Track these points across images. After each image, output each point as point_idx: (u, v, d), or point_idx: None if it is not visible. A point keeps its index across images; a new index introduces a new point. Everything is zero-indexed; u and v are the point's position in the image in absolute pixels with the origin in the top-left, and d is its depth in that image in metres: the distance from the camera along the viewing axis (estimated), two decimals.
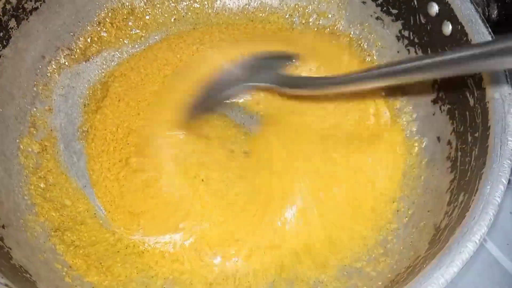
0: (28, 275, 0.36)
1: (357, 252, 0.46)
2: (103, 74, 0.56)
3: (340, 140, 0.52)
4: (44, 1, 0.51)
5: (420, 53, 0.51)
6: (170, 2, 0.59)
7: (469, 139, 0.42)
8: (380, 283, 0.40)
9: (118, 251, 0.46)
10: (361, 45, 0.56)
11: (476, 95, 0.42)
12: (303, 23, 0.59)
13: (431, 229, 0.41)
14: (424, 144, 0.49)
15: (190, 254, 0.46)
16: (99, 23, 0.56)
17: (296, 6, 0.59)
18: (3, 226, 0.40)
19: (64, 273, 0.41)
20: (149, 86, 0.55)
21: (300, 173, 0.49)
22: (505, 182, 0.35)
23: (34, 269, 0.38)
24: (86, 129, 0.53)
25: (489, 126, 0.39)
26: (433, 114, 0.49)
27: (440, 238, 0.38)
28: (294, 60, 0.55)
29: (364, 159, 0.50)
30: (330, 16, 0.58)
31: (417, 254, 0.39)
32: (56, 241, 0.44)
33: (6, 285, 0.30)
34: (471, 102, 0.42)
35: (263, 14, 0.60)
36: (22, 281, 0.32)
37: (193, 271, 0.45)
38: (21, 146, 0.48)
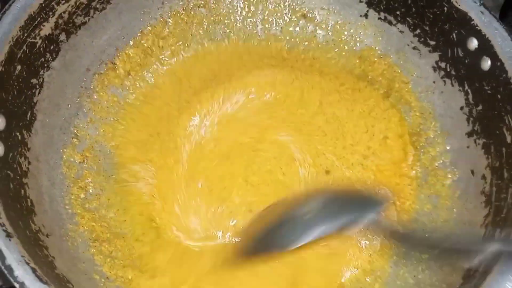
0: (71, 285, 0.37)
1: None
2: (143, 90, 0.57)
3: None
4: (92, 16, 0.52)
5: (456, 85, 0.51)
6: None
7: (505, 175, 0.43)
8: None
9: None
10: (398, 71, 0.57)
11: None
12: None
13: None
14: (457, 176, 0.50)
15: None
16: (142, 39, 0.58)
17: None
18: (47, 235, 0.41)
19: (102, 284, 0.42)
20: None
21: None
22: None
23: (75, 279, 0.39)
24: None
25: None
26: (467, 147, 0.49)
27: (475, 274, 0.38)
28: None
29: None
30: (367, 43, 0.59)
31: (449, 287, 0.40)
32: (94, 251, 0.45)
33: None
34: (509, 138, 0.43)
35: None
36: None
37: None
38: (64, 156, 0.50)
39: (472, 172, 0.48)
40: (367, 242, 0.49)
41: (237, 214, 0.50)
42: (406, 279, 0.46)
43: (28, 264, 0.32)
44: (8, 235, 0.33)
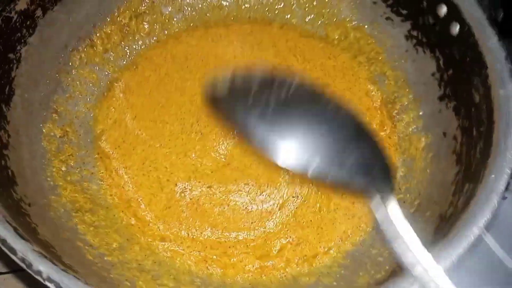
0: (54, 250, 0.38)
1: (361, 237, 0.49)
2: (121, 65, 0.58)
3: None
4: None
5: (428, 52, 0.53)
6: None
7: (474, 134, 0.44)
8: (387, 267, 0.42)
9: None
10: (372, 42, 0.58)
11: (481, 92, 0.44)
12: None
13: (437, 219, 0.43)
14: (430, 139, 0.51)
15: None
16: (119, 15, 0.58)
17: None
18: (29, 205, 0.41)
19: (85, 251, 0.43)
20: (164, 82, 0.57)
21: None
22: (508, 171, 0.37)
23: (59, 245, 0.39)
24: (104, 112, 0.55)
25: (494, 121, 0.41)
26: (439, 111, 0.51)
27: (445, 227, 0.40)
28: None
29: None
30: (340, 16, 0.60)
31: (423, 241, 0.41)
32: (77, 221, 0.46)
33: (39, 252, 0.32)
34: (477, 98, 0.45)
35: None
36: (50, 253, 0.34)
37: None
38: (44, 131, 0.50)
39: (444, 134, 0.50)
40: None
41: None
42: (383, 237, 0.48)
43: (9, 223, 0.33)
44: None
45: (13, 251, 0.31)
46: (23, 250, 0.31)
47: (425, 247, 0.35)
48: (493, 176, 0.37)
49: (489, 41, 0.44)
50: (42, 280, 0.30)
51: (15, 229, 0.32)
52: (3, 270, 0.51)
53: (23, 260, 0.31)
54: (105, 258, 0.44)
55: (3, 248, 0.31)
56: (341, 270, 0.47)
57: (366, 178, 0.36)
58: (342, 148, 0.36)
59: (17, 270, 0.51)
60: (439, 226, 0.42)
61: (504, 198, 0.53)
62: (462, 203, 0.39)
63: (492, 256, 0.55)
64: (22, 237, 0.32)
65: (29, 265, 0.31)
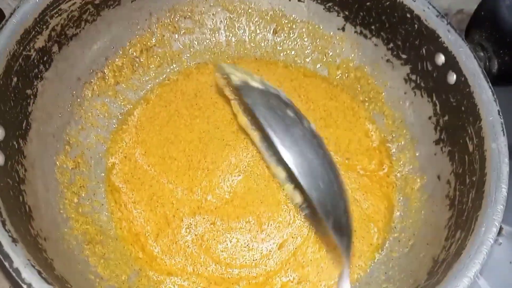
0: (69, 285, 0.40)
1: (359, 275, 0.52)
2: (132, 98, 0.60)
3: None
4: (83, 28, 0.55)
5: (425, 96, 0.56)
6: (199, 33, 0.63)
7: (467, 181, 0.47)
8: None
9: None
10: (372, 82, 0.61)
11: (475, 142, 0.47)
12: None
13: (430, 261, 0.46)
14: (425, 180, 0.54)
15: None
16: (130, 48, 0.60)
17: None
18: (44, 239, 0.43)
19: (97, 284, 0.45)
20: (174, 119, 0.60)
21: None
22: (497, 225, 0.40)
23: (73, 280, 0.41)
24: (115, 147, 0.57)
25: (486, 173, 0.44)
26: (435, 154, 0.54)
27: (438, 271, 0.42)
28: None
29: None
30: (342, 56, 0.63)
31: (416, 283, 0.44)
32: (88, 253, 0.48)
33: None
34: (470, 148, 0.47)
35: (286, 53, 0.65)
36: None
37: None
38: (57, 163, 0.52)
39: (439, 177, 0.52)
40: None
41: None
42: (379, 276, 0.51)
43: (33, 267, 0.35)
44: (14, 241, 0.36)
45: None
46: None
47: None
48: (483, 229, 0.40)
49: (483, 93, 0.47)
50: None
51: (39, 273, 0.35)
52: None
53: None
54: None
55: None
56: None
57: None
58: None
59: None
60: (431, 269, 0.44)
61: (499, 243, 0.57)
62: (454, 249, 0.42)
63: None
64: (45, 280, 0.34)
65: None
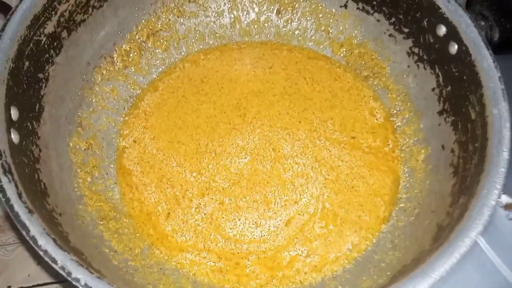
0: (84, 256, 0.42)
1: (367, 246, 0.53)
2: (141, 82, 0.62)
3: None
4: (91, 14, 0.56)
5: (428, 68, 0.56)
6: (203, 16, 0.64)
7: (470, 149, 0.47)
8: (388, 273, 0.46)
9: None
10: (376, 58, 0.62)
11: (477, 109, 0.47)
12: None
13: (435, 227, 0.46)
14: (429, 151, 0.55)
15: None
16: (137, 33, 0.62)
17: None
18: (60, 214, 0.45)
19: (111, 257, 0.47)
20: (182, 104, 0.62)
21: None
22: (499, 187, 0.40)
23: (88, 252, 0.43)
24: (125, 131, 0.59)
25: (488, 138, 0.44)
26: (439, 125, 0.54)
27: (442, 235, 0.43)
28: None
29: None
30: (345, 33, 0.64)
31: (422, 248, 0.45)
32: (103, 228, 0.50)
33: (76, 261, 0.36)
34: (473, 115, 0.48)
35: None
36: (81, 260, 0.37)
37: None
38: (71, 144, 0.54)
39: (443, 147, 0.53)
40: None
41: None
42: (385, 245, 0.52)
43: (49, 235, 0.37)
44: (30, 211, 0.37)
45: (54, 261, 0.35)
46: (63, 260, 0.35)
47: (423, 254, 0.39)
48: (485, 191, 0.40)
49: (484, 62, 0.47)
50: (80, 287, 0.34)
51: (54, 241, 0.36)
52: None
53: (62, 268, 0.35)
54: (129, 263, 0.47)
55: (46, 258, 0.35)
56: (346, 275, 0.51)
57: None
58: None
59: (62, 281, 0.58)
60: (436, 234, 0.45)
61: (509, 219, 0.57)
62: (457, 214, 0.43)
63: (490, 265, 0.58)
64: (60, 248, 0.36)
65: (69, 273, 0.35)
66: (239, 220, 0.54)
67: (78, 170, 0.53)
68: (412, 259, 0.44)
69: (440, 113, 0.54)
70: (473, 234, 0.38)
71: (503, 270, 0.58)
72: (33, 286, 0.58)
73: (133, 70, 0.62)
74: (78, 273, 0.35)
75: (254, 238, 0.54)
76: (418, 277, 0.36)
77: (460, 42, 0.50)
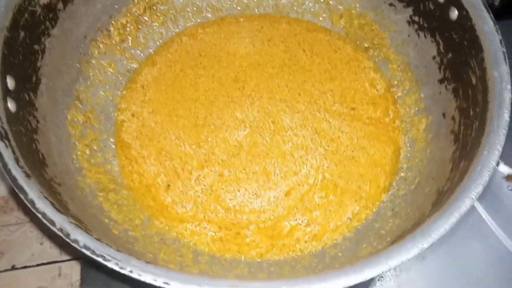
0: (84, 225, 0.42)
1: (367, 215, 0.53)
2: (138, 56, 0.61)
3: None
4: None
5: (428, 36, 0.55)
6: None
7: (471, 114, 0.47)
8: (389, 239, 0.46)
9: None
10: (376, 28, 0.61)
11: (478, 74, 0.46)
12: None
13: (435, 194, 0.46)
14: (430, 120, 0.54)
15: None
16: (134, 6, 0.61)
17: None
18: (59, 184, 0.45)
19: (111, 226, 0.47)
20: (179, 78, 0.61)
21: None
22: (500, 148, 0.40)
23: (88, 220, 0.43)
24: (123, 105, 0.58)
25: (488, 101, 0.43)
26: (440, 93, 0.54)
27: (442, 200, 0.43)
28: None
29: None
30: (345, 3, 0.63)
31: (421, 213, 0.45)
32: (102, 200, 0.50)
33: (74, 223, 0.36)
34: (474, 80, 0.47)
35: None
36: (78, 227, 0.37)
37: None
38: (68, 117, 0.54)
39: (444, 115, 0.52)
40: None
41: None
42: (385, 213, 0.51)
43: (47, 198, 0.37)
44: (27, 175, 0.37)
45: (52, 223, 0.35)
46: (61, 222, 0.35)
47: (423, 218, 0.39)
48: (485, 152, 0.40)
49: (485, 25, 0.47)
50: (78, 247, 0.34)
51: (52, 204, 0.36)
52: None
53: (61, 230, 0.35)
54: (129, 233, 0.47)
55: (44, 220, 0.35)
56: (346, 243, 0.51)
57: None
58: None
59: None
60: (436, 200, 0.45)
61: (510, 189, 0.57)
62: (457, 178, 0.42)
63: (493, 237, 0.58)
64: (59, 211, 0.36)
65: (67, 235, 0.35)
66: (238, 191, 0.54)
67: (77, 143, 0.53)
68: (412, 224, 0.44)
69: (441, 81, 0.54)
70: (473, 194, 0.38)
71: (504, 240, 0.58)
72: (37, 265, 0.59)
73: (130, 44, 0.61)
74: (77, 235, 0.35)
75: (254, 209, 0.53)
76: (418, 237, 0.36)
77: (460, 7, 0.49)
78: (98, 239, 0.35)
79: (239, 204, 0.54)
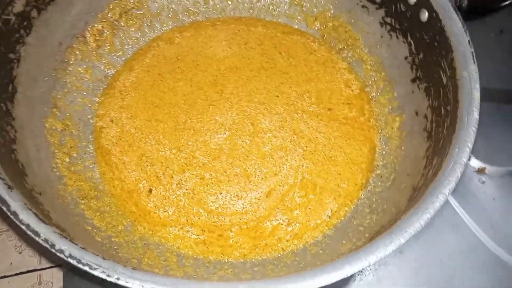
0: (66, 233, 0.42)
1: (346, 212, 0.54)
2: (115, 61, 0.61)
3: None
4: None
5: (400, 37, 0.57)
6: None
7: (442, 112, 0.49)
8: (367, 235, 0.47)
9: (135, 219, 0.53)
10: (350, 29, 0.63)
11: (448, 73, 0.48)
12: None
13: (410, 190, 0.48)
14: (404, 118, 0.56)
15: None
16: (109, 12, 0.61)
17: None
18: (40, 194, 0.45)
19: (94, 234, 0.47)
20: (158, 83, 0.61)
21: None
22: (470, 145, 0.42)
23: (70, 229, 0.43)
24: (102, 111, 0.58)
25: (458, 100, 0.45)
26: (412, 92, 0.55)
27: (417, 196, 0.44)
28: None
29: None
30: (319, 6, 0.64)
31: (398, 209, 0.46)
32: (84, 207, 0.50)
33: (59, 233, 0.36)
34: (444, 80, 0.49)
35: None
36: (63, 237, 0.37)
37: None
38: (47, 125, 0.53)
39: (416, 113, 0.54)
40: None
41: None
42: (363, 210, 0.53)
43: (30, 209, 0.36)
44: (9, 187, 0.37)
45: (37, 234, 0.35)
46: (46, 232, 0.35)
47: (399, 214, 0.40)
48: (456, 149, 0.42)
49: (454, 26, 0.49)
50: (64, 257, 0.34)
51: (36, 215, 0.36)
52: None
53: (46, 241, 0.35)
54: (113, 239, 0.48)
55: (28, 232, 0.35)
56: (326, 240, 0.52)
57: None
58: None
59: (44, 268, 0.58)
60: (412, 195, 0.46)
61: (482, 182, 0.59)
62: (431, 174, 0.44)
63: (473, 238, 0.60)
64: (42, 221, 0.36)
65: (52, 245, 0.35)
66: (220, 193, 0.55)
67: (56, 151, 0.53)
68: (389, 220, 0.46)
69: (413, 80, 0.55)
70: (446, 190, 0.40)
71: (477, 231, 0.60)
72: (16, 274, 0.58)
73: (107, 50, 0.61)
74: (62, 244, 0.35)
75: (236, 210, 0.54)
76: (395, 233, 0.38)
77: (430, 8, 0.51)
78: (83, 248, 0.35)
79: (221, 207, 0.54)
